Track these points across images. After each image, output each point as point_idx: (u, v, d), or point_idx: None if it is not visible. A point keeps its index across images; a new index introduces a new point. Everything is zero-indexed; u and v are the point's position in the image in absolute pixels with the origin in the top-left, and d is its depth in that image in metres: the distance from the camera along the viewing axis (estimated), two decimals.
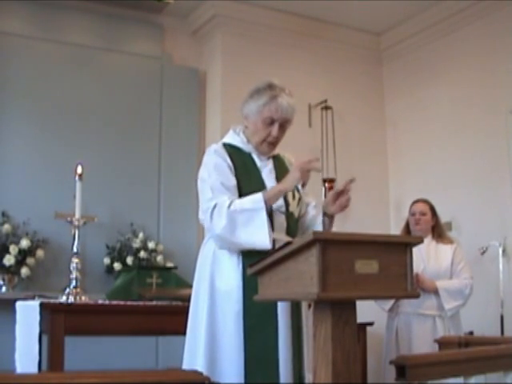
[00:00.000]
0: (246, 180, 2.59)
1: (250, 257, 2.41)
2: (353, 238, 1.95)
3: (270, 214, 2.52)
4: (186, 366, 2.52)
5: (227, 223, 2.42)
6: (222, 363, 2.45)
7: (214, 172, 2.57)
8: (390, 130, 6.32)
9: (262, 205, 2.43)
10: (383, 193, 6.24)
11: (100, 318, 3.20)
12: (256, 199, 2.45)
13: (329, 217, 2.64)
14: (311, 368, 2.41)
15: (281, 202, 2.58)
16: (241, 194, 2.54)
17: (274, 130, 2.61)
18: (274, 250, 2.09)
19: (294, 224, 2.62)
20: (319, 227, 2.67)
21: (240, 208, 2.43)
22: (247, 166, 2.63)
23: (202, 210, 2.58)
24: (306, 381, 2.48)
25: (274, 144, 2.66)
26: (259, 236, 2.40)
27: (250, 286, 2.40)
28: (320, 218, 2.68)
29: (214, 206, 2.46)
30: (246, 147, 2.68)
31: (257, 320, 2.45)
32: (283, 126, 2.63)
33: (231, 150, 2.66)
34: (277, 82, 2.65)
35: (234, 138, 2.72)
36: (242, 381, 2.41)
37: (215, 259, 2.55)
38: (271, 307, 2.46)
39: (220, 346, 2.46)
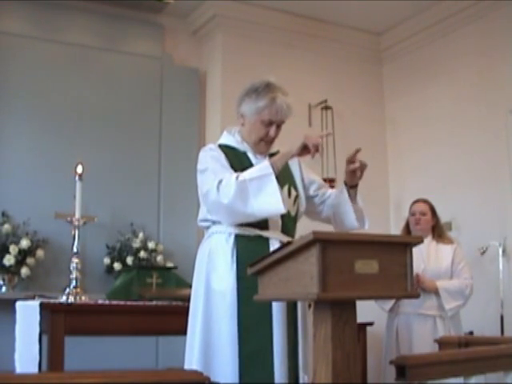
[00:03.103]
0: None
1: (244, 257, 2.44)
2: (353, 238, 1.95)
3: None
4: (185, 364, 2.55)
5: (237, 193, 2.40)
6: (216, 362, 2.46)
7: (212, 161, 2.60)
8: (390, 129, 6.32)
9: (271, 170, 2.43)
10: (383, 193, 6.23)
11: (100, 318, 3.20)
12: (263, 166, 2.45)
13: (353, 187, 2.67)
14: (308, 368, 2.43)
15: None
16: None
17: (272, 131, 2.63)
18: (272, 252, 2.09)
19: (290, 222, 2.62)
20: (346, 201, 2.67)
21: (249, 177, 2.43)
22: (243, 165, 2.63)
23: (203, 201, 2.63)
24: (301, 381, 2.48)
25: (270, 143, 2.69)
26: (273, 202, 2.39)
27: (244, 286, 2.41)
28: (343, 193, 2.69)
29: (220, 181, 2.46)
30: (241, 146, 2.70)
31: (251, 320, 2.46)
32: (279, 126, 2.66)
33: (226, 149, 2.67)
34: (273, 80, 2.67)
35: (229, 138, 2.74)
36: (236, 380, 2.42)
37: (211, 259, 2.58)
38: (266, 307, 2.46)
39: (214, 346, 2.48)
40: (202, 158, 2.68)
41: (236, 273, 2.48)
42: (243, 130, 2.69)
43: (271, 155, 2.71)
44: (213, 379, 2.38)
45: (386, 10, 5.75)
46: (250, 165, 2.64)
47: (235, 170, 2.57)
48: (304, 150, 2.49)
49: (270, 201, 2.38)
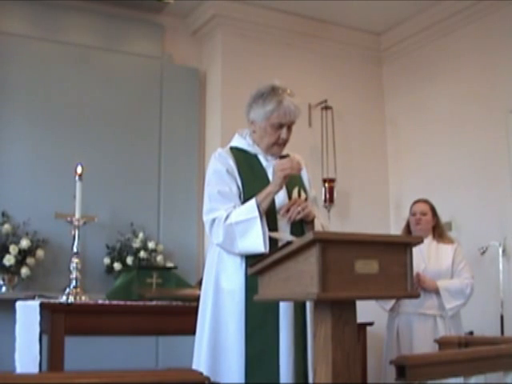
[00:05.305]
0: (252, 181, 2.65)
1: (252, 258, 2.44)
2: (353, 238, 1.95)
3: (274, 214, 2.57)
4: (193, 363, 2.58)
5: (225, 237, 2.52)
6: (224, 361, 2.49)
7: (212, 179, 2.66)
8: (390, 129, 6.32)
9: (256, 214, 2.50)
10: (383, 193, 6.23)
11: (100, 318, 3.20)
12: (250, 208, 2.52)
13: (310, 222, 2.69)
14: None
15: (286, 201, 2.63)
16: (247, 195, 2.59)
17: (284, 133, 2.68)
18: (272, 252, 2.10)
19: (299, 223, 2.64)
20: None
21: (235, 220, 2.52)
22: (253, 168, 2.69)
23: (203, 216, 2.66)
24: (310, 381, 2.48)
25: (283, 145, 2.73)
26: (256, 244, 2.48)
27: (252, 286, 2.42)
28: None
29: (213, 221, 2.56)
30: (252, 149, 2.74)
31: (258, 320, 2.49)
32: (290, 127, 2.70)
33: (237, 152, 2.73)
34: (278, 83, 2.71)
35: (240, 141, 2.78)
36: (243, 379, 2.43)
37: (220, 260, 2.61)
38: (273, 307, 2.49)
39: (222, 344, 2.51)
40: (209, 167, 2.74)
41: (245, 272, 2.51)
42: (255, 135, 2.74)
43: (281, 158, 2.75)
44: (220, 378, 2.41)
45: (386, 10, 5.75)
46: (261, 167, 2.70)
47: (245, 173, 2.63)
48: (285, 179, 2.56)
49: (253, 242, 2.49)
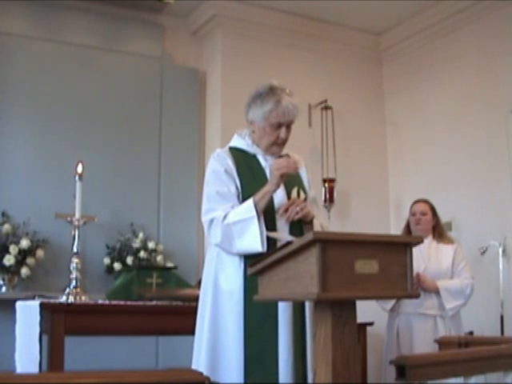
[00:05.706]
0: (251, 181, 2.65)
1: (251, 257, 2.44)
2: (353, 238, 1.95)
3: (273, 214, 2.57)
4: (193, 363, 2.59)
5: (223, 237, 2.53)
6: (223, 361, 2.50)
7: (211, 179, 2.67)
8: (390, 129, 6.32)
9: (254, 213, 2.50)
10: (383, 193, 6.23)
11: (100, 318, 3.21)
12: (247, 208, 2.52)
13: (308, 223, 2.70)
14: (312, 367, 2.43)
15: (284, 201, 2.63)
16: (246, 195, 2.59)
17: (283, 132, 2.68)
18: (274, 250, 2.10)
19: (298, 223, 2.64)
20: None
21: (233, 220, 2.52)
22: (252, 168, 2.69)
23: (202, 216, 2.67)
24: (309, 381, 2.48)
25: (283, 145, 2.74)
26: (254, 244, 2.49)
27: (251, 286, 2.42)
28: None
29: (211, 221, 2.57)
30: (251, 149, 2.75)
31: (257, 320, 2.49)
32: (289, 126, 2.70)
33: (236, 152, 2.73)
34: (276, 83, 2.71)
35: (239, 141, 2.79)
36: (241, 379, 2.43)
37: (219, 260, 2.62)
38: (271, 307, 2.49)
39: (221, 345, 2.52)
40: (208, 167, 2.74)
41: (243, 272, 2.51)
42: (254, 135, 2.74)
43: (280, 157, 2.75)
44: (219, 378, 2.41)
45: (386, 10, 5.75)
46: (260, 167, 2.70)
47: (244, 173, 2.64)
48: (281, 178, 2.55)
49: (251, 242, 2.49)
